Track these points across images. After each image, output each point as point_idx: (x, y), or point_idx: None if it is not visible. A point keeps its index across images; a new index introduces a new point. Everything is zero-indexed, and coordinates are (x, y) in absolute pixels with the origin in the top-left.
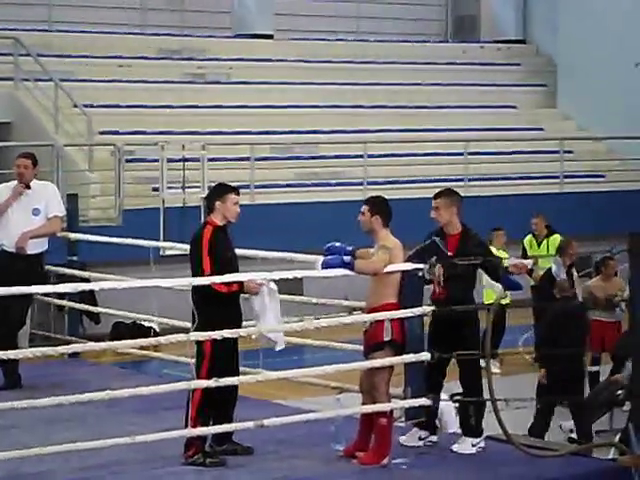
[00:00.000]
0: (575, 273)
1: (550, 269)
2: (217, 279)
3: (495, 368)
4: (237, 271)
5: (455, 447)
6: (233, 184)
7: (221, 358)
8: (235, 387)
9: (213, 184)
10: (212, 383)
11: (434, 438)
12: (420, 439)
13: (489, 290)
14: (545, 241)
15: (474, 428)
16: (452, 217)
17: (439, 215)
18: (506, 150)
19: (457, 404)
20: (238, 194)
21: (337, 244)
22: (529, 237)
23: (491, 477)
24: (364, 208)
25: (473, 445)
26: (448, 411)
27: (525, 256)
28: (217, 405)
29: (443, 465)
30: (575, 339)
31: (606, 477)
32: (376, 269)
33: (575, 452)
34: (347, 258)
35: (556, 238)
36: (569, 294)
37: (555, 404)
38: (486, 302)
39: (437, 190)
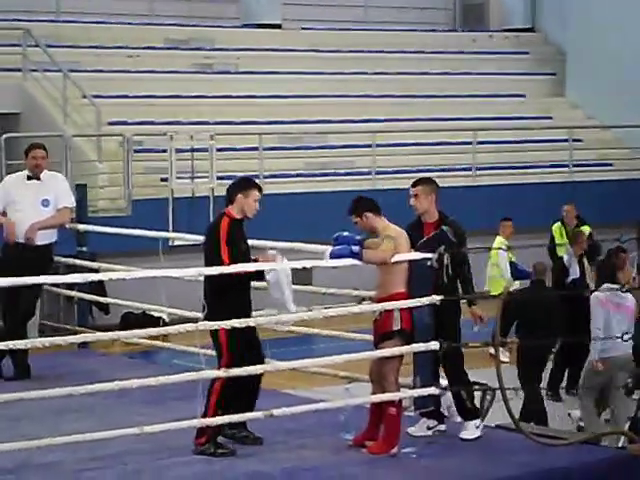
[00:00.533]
0: (586, 263)
1: (562, 258)
2: (228, 269)
3: (504, 357)
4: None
5: (463, 434)
6: (242, 174)
7: (239, 347)
8: (256, 376)
9: (222, 174)
10: (221, 373)
11: (442, 427)
12: (429, 428)
13: (499, 279)
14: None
15: (471, 410)
16: (430, 205)
17: (418, 203)
18: (515, 139)
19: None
20: (261, 191)
21: (345, 234)
22: (558, 224)
23: (500, 465)
24: (352, 218)
25: (477, 427)
26: None
27: (553, 243)
28: (236, 394)
29: (452, 454)
30: (546, 324)
31: (616, 465)
32: (384, 258)
33: (584, 441)
34: (355, 248)
35: (586, 229)
36: (542, 277)
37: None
38: (495, 292)
39: (443, 178)
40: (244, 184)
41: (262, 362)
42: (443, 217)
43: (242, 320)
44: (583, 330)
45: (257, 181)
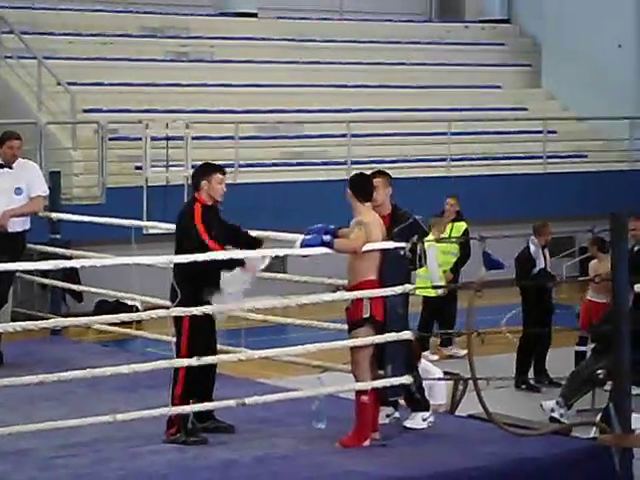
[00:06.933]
0: (547, 254)
1: (529, 249)
2: (201, 256)
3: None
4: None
5: (407, 423)
6: (217, 163)
7: (200, 334)
8: (214, 364)
9: (197, 163)
10: (194, 361)
11: (397, 414)
12: (387, 416)
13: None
14: (450, 225)
15: (420, 402)
16: (386, 198)
17: (378, 194)
18: (490, 130)
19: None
20: (224, 173)
21: (319, 225)
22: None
23: (472, 455)
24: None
25: (424, 419)
26: (438, 383)
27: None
28: (199, 382)
29: (423, 443)
30: None
31: (587, 456)
32: (354, 247)
33: (556, 431)
34: (327, 237)
35: (462, 225)
36: None
37: None
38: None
39: (418, 169)
40: (205, 169)
41: (216, 349)
42: (396, 209)
43: (215, 307)
44: (545, 321)
45: (232, 170)
